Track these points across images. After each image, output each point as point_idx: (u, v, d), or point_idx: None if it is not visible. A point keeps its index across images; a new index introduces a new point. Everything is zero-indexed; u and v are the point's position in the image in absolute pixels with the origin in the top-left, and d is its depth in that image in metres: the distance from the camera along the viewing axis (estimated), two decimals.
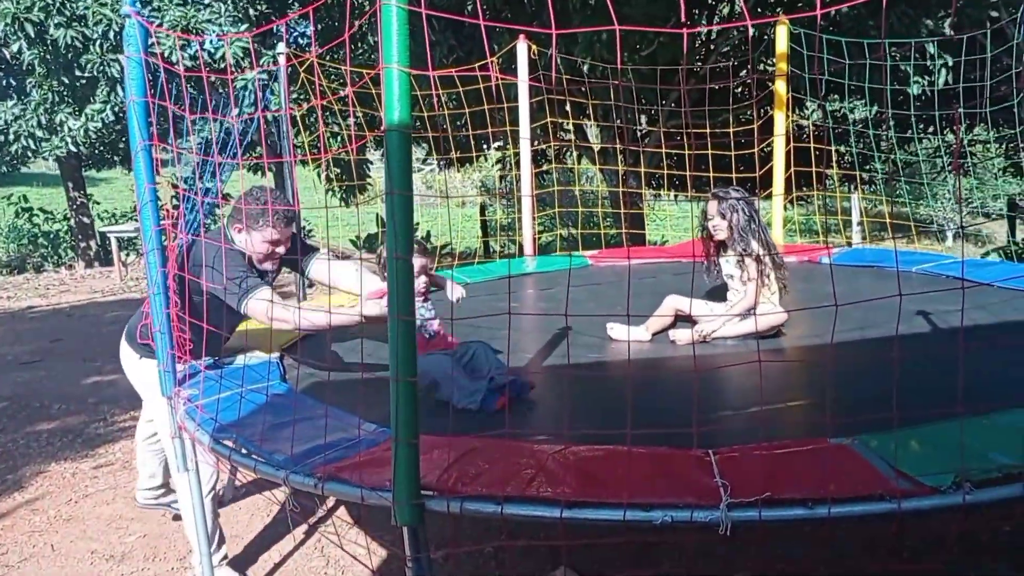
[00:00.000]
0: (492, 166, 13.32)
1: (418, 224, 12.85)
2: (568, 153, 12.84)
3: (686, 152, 7.21)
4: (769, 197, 5.81)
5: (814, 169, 6.54)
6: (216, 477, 3.28)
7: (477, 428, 2.46)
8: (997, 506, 1.91)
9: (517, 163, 11.12)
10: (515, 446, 2.24)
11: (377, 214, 12.86)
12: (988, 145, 13.19)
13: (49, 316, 9.95)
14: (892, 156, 8.67)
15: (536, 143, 10.14)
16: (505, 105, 6.00)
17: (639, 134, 10.88)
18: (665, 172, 8.35)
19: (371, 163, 12.83)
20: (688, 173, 7.62)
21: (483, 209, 13.56)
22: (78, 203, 14.80)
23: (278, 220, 3.11)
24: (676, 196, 12.00)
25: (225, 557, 3.32)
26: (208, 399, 2.78)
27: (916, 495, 1.88)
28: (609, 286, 4.68)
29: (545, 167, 12.13)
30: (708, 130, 7.39)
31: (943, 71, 8.50)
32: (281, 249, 3.20)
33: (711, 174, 6.79)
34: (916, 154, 11.47)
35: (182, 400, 2.84)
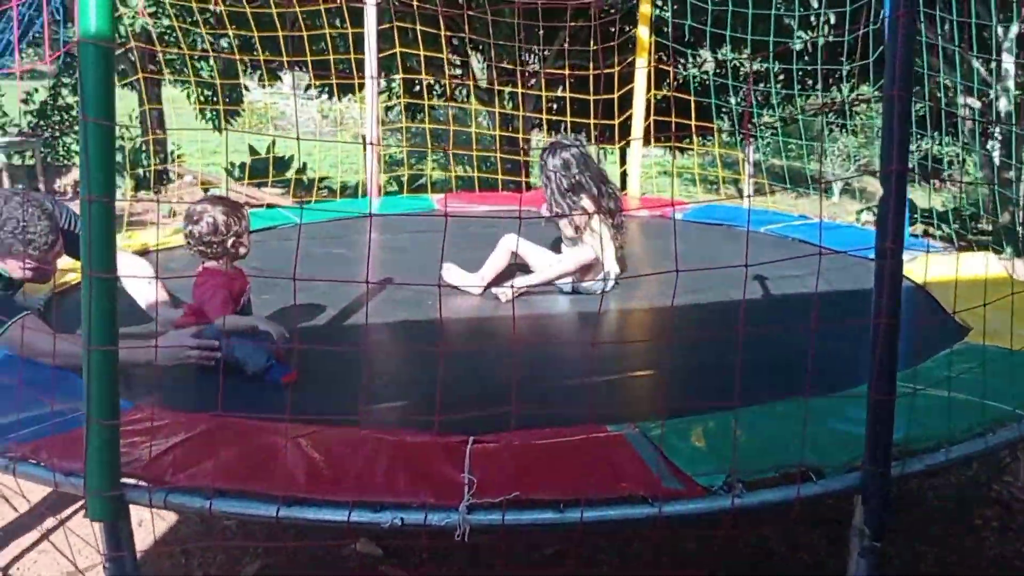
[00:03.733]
0: (380, 95, 12.75)
1: (292, 156, 12.29)
2: (458, 90, 12.42)
3: (567, 95, 6.88)
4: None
5: (694, 122, 6.35)
6: None
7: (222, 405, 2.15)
8: (769, 509, 1.74)
9: (402, 92, 10.68)
10: (255, 427, 1.95)
11: (250, 145, 12.20)
12: (872, 104, 13.36)
13: None
14: (780, 111, 8.64)
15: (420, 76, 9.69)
16: (363, 28, 5.57)
17: (526, 74, 10.55)
18: (544, 117, 8.05)
19: (247, 88, 12.14)
20: (568, 119, 7.32)
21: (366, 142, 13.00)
22: None
23: (34, 248, 2.56)
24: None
25: None
26: None
27: (680, 497, 1.69)
28: (451, 233, 4.37)
29: (436, 102, 11.71)
30: (591, 73, 7.11)
31: (826, 28, 8.44)
32: (54, 264, 2.70)
33: (591, 121, 6.55)
34: (802, 110, 11.52)
35: None
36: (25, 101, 11.87)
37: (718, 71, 10.08)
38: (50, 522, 3.16)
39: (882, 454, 1.73)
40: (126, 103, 12.53)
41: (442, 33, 7.10)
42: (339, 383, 2.45)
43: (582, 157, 3.44)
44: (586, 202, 3.39)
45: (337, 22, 7.73)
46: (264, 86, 11.64)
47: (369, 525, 1.63)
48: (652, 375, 2.50)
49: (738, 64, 11.01)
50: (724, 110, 10.26)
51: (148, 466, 1.75)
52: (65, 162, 12.31)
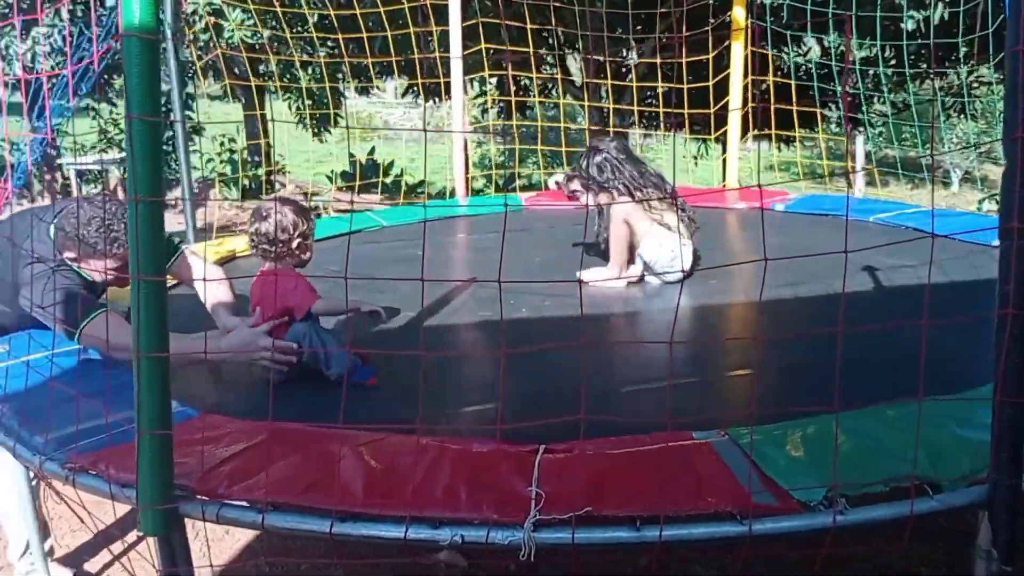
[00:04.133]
0: (473, 98, 12.71)
1: (392, 161, 12.42)
2: (553, 88, 12.27)
3: (659, 86, 6.66)
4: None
5: (795, 109, 6.03)
6: None
7: (294, 411, 2.06)
8: (877, 528, 1.53)
9: (492, 92, 10.61)
10: (314, 436, 1.85)
11: (350, 153, 12.35)
12: (993, 87, 12.55)
13: None
14: (891, 97, 8.11)
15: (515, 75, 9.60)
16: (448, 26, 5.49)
17: (622, 69, 10.30)
18: (636, 109, 7.79)
19: (344, 96, 12.28)
20: (661, 110, 7.09)
21: (466, 145, 13.00)
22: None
23: (119, 246, 2.49)
24: (663, 135, 11.47)
25: (51, 552, 2.89)
26: None
27: (774, 514, 1.50)
28: (537, 232, 4.25)
29: (529, 99, 11.57)
30: (684, 59, 6.86)
31: (939, 6, 7.90)
32: None
33: (686, 111, 6.31)
34: (915, 94, 10.86)
35: None
36: None
37: (823, 57, 9.60)
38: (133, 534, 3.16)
39: (1011, 463, 1.50)
40: (236, 116, 12.90)
41: (528, 26, 6.95)
42: (411, 387, 2.34)
43: (616, 160, 3.40)
44: (603, 199, 3.42)
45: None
46: (359, 94, 11.76)
47: (427, 542, 1.51)
48: (744, 376, 2.30)
49: (844, 49, 10.47)
50: (831, 98, 9.79)
51: (203, 477, 1.67)
52: (176, 175, 12.74)
